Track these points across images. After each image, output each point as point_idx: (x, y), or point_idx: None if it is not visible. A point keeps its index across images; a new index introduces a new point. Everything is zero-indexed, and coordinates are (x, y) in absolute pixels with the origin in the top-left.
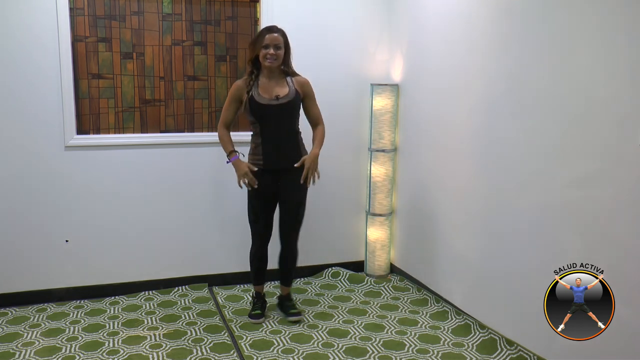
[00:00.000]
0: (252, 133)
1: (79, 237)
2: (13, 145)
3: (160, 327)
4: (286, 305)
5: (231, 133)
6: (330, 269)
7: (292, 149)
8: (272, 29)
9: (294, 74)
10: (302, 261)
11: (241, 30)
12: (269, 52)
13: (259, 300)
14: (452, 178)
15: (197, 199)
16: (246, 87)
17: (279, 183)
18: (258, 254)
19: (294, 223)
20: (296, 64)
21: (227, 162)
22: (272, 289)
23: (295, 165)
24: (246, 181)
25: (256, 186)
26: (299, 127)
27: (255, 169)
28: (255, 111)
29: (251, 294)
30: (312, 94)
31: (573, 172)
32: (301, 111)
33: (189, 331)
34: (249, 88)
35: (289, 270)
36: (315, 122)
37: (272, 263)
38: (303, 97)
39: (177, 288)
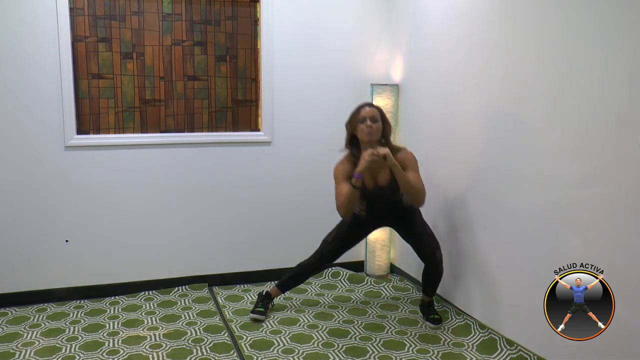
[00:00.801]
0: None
1: (79, 237)
2: (13, 145)
3: (160, 327)
4: (428, 310)
5: (232, 133)
6: (330, 269)
7: (397, 209)
8: (367, 104)
9: (395, 149)
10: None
11: (241, 30)
12: (366, 124)
13: (266, 300)
14: (452, 178)
15: (197, 199)
16: (351, 170)
17: (395, 228)
18: (308, 268)
19: (434, 244)
20: (296, 64)
21: (357, 177)
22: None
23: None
24: (370, 153)
25: (380, 154)
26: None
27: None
28: (360, 196)
29: (260, 292)
30: (411, 164)
31: (573, 172)
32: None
33: (189, 331)
34: (352, 169)
35: (434, 283)
36: None
37: (270, 263)
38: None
39: (177, 288)
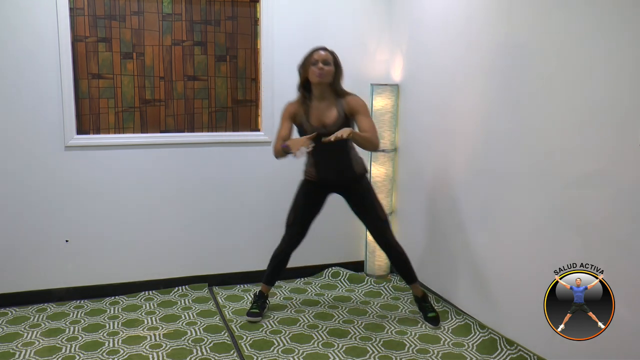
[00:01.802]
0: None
1: (79, 237)
2: (13, 145)
3: (160, 327)
4: (423, 307)
5: (232, 133)
6: (330, 269)
7: (345, 165)
8: (320, 48)
9: (344, 94)
10: (302, 261)
11: (241, 30)
12: (318, 67)
13: (260, 299)
14: (452, 178)
15: (197, 199)
16: (298, 111)
17: (328, 194)
18: (281, 255)
19: (381, 223)
20: (296, 63)
21: (292, 154)
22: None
23: (332, 139)
24: (304, 145)
25: (310, 147)
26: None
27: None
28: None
29: (255, 292)
30: (362, 109)
31: (573, 172)
32: None
33: (189, 331)
34: (301, 113)
35: (405, 266)
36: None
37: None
38: (352, 115)
39: (177, 288)
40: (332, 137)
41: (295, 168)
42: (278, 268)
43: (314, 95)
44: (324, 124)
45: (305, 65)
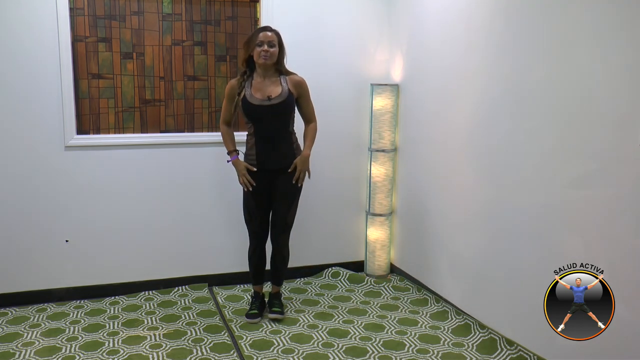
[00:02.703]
0: (247, 133)
1: (79, 237)
2: (13, 145)
3: (160, 327)
4: (271, 303)
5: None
6: (330, 269)
7: (286, 150)
8: (266, 28)
9: (287, 72)
10: (302, 261)
11: (241, 30)
12: (263, 49)
13: (257, 300)
14: (452, 178)
15: (197, 199)
16: (239, 86)
17: (272, 183)
18: (256, 253)
19: (283, 225)
20: (296, 63)
21: (228, 162)
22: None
23: (289, 170)
24: (245, 181)
25: (251, 188)
26: (294, 127)
27: (254, 169)
28: (248, 111)
29: (250, 294)
30: (307, 92)
31: (573, 172)
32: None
33: (189, 331)
34: (241, 88)
35: (278, 271)
36: (308, 120)
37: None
38: (297, 97)
39: (177, 288)
40: (298, 181)
41: None
42: (259, 266)
43: (257, 72)
44: (269, 96)
45: (250, 44)
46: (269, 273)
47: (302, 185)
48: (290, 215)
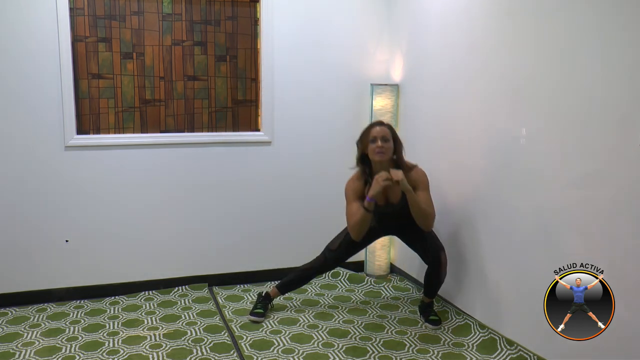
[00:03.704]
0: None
1: (79, 237)
2: (13, 145)
3: (160, 327)
4: (427, 311)
5: (232, 133)
6: None
7: (406, 221)
8: (377, 123)
9: (408, 167)
10: (302, 261)
11: (241, 30)
12: (377, 145)
13: (265, 301)
14: (451, 178)
15: (197, 199)
16: (363, 189)
17: (400, 236)
18: (308, 272)
19: (437, 245)
20: (296, 64)
21: (370, 200)
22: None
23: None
24: (385, 178)
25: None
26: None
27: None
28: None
29: (260, 292)
30: (423, 184)
31: (573, 172)
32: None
33: (189, 331)
34: (366, 190)
35: (436, 285)
36: None
37: (270, 263)
38: (413, 189)
39: (177, 288)
40: (388, 177)
41: (295, 168)
42: (298, 282)
43: (374, 170)
44: (390, 201)
45: (364, 141)
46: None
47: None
48: (435, 237)
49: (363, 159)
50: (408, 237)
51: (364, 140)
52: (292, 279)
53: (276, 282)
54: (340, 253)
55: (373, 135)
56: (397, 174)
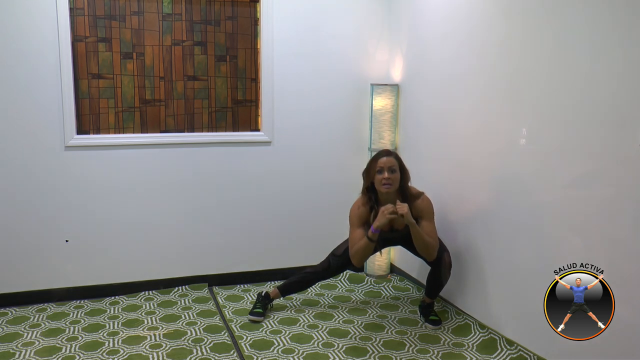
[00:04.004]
0: None
1: (79, 237)
2: (13, 145)
3: (160, 327)
4: (427, 312)
5: (232, 133)
6: None
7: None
8: (383, 153)
9: (413, 197)
10: (302, 261)
11: (241, 30)
12: (384, 176)
13: (265, 300)
14: (452, 178)
15: (197, 199)
16: (368, 216)
17: (404, 246)
18: (311, 276)
19: (440, 248)
20: (296, 64)
21: (375, 232)
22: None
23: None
24: (391, 211)
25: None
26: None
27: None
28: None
29: (260, 292)
30: (429, 214)
31: (573, 172)
32: None
33: (189, 331)
34: (372, 218)
35: (438, 287)
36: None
37: (270, 263)
38: (417, 218)
39: (177, 288)
40: (394, 210)
41: (295, 168)
42: (300, 286)
43: (380, 199)
44: (394, 228)
45: (370, 172)
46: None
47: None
48: (440, 242)
49: (370, 187)
50: (412, 245)
51: (371, 170)
52: (294, 282)
53: (277, 283)
54: (345, 260)
55: (380, 165)
56: (403, 208)
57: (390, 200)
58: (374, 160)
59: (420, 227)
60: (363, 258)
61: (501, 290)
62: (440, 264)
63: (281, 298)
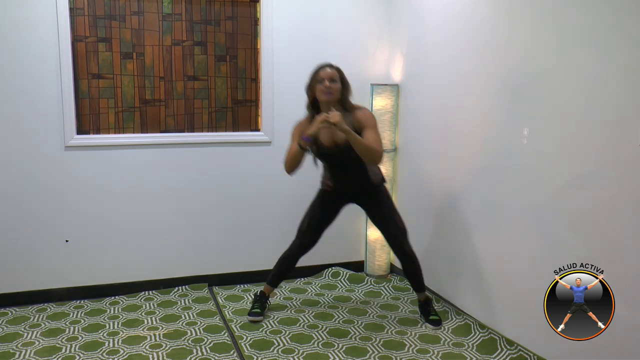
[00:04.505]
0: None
1: (79, 237)
2: (13, 145)
3: (160, 327)
4: (426, 311)
5: (232, 133)
6: (330, 269)
7: (362, 177)
8: (325, 65)
9: (352, 108)
10: (302, 261)
11: (241, 30)
12: (325, 85)
13: (262, 299)
14: (452, 178)
15: (197, 199)
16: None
17: (346, 204)
18: (289, 258)
19: (400, 231)
20: (296, 64)
21: (306, 139)
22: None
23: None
24: (323, 119)
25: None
26: None
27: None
28: (318, 156)
29: (255, 292)
30: (370, 123)
31: (573, 172)
32: None
33: (189, 331)
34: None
35: (418, 277)
36: None
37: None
38: (359, 129)
39: (177, 288)
40: (326, 119)
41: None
42: (284, 271)
43: (322, 112)
44: (336, 143)
45: (312, 84)
46: (267, 272)
47: (387, 192)
48: (399, 219)
49: (313, 103)
50: (372, 212)
51: (313, 82)
52: (277, 271)
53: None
54: (312, 231)
55: (321, 76)
56: (335, 116)
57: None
58: (315, 72)
59: (363, 137)
60: (293, 164)
61: (501, 290)
62: (403, 256)
63: (281, 298)
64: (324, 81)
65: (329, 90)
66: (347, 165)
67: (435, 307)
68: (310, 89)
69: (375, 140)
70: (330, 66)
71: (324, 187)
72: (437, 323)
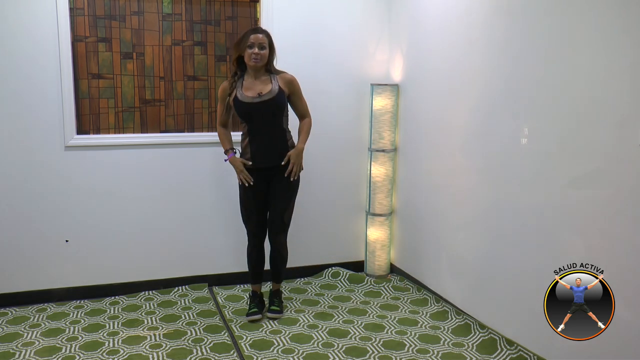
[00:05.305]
0: (241, 132)
1: (79, 237)
2: (13, 145)
3: (160, 327)
4: (271, 301)
5: (233, 133)
6: (330, 269)
7: (280, 148)
8: (256, 30)
9: (277, 72)
10: (302, 261)
11: (241, 30)
12: (254, 51)
13: (255, 299)
14: (452, 178)
15: (197, 199)
16: (230, 88)
17: (269, 182)
18: (253, 253)
19: (280, 224)
20: (296, 63)
21: (225, 161)
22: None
23: (282, 163)
24: (244, 177)
25: (252, 183)
26: (289, 126)
27: (249, 163)
28: (240, 110)
29: (249, 294)
30: (298, 89)
31: (573, 172)
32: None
33: (189, 331)
34: (233, 89)
35: (278, 269)
36: (302, 115)
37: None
38: (289, 94)
39: (177, 288)
40: (292, 176)
41: None
42: (257, 266)
43: (248, 73)
44: (259, 93)
45: (241, 45)
46: (268, 272)
47: (298, 183)
48: (287, 214)
49: (238, 60)
50: (273, 187)
51: (242, 44)
52: (252, 270)
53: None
54: (252, 219)
55: (252, 41)
56: (296, 165)
57: (257, 75)
58: (246, 34)
59: (293, 103)
60: (221, 136)
61: (501, 290)
62: (275, 242)
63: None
64: (253, 47)
65: (257, 56)
66: (267, 120)
67: (435, 306)
68: (239, 48)
69: (306, 108)
70: (262, 31)
71: (241, 179)
72: (277, 313)
